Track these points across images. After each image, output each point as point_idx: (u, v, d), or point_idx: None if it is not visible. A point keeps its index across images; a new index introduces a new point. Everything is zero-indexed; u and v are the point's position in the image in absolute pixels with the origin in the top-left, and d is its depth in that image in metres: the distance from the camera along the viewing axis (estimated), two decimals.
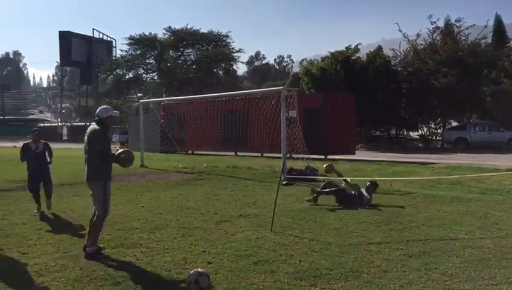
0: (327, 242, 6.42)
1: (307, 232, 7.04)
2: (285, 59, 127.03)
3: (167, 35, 53.36)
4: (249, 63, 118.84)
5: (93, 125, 5.95)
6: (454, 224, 7.50)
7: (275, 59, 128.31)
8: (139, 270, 5.28)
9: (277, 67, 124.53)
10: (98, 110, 6.05)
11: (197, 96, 21.20)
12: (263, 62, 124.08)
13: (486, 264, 5.33)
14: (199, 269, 4.72)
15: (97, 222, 5.88)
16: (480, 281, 4.78)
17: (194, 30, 52.84)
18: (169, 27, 53.42)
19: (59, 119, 71.11)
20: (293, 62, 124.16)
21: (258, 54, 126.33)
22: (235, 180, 13.72)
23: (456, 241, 6.46)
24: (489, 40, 41.87)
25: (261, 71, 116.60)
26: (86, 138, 5.95)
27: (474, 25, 34.53)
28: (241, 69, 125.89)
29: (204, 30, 54.37)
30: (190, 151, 25.56)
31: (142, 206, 9.34)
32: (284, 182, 12.59)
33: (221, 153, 23.36)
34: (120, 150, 6.12)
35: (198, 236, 6.78)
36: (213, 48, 53.19)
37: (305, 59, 79.34)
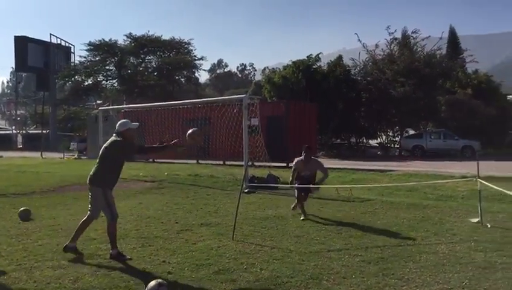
0: (288, 250, 6.45)
1: (268, 240, 7.05)
2: (248, 67, 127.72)
3: (128, 42, 52.65)
4: (211, 70, 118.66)
5: (114, 137, 6.18)
6: (411, 230, 7.69)
7: (237, 67, 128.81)
8: (96, 281, 5.14)
9: (239, 75, 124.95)
10: (117, 125, 6.27)
11: (158, 104, 20.93)
12: (225, 70, 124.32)
13: (441, 269, 5.49)
14: (159, 280, 4.64)
15: (109, 227, 6.10)
16: (435, 286, 4.92)
17: (155, 37, 52.33)
18: (130, 33, 52.73)
19: (14, 127, 68.67)
20: (256, 70, 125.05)
21: (220, 61, 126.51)
22: (197, 188, 13.62)
23: (412, 246, 6.62)
24: (444, 51, 43.44)
25: (223, 79, 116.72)
26: (103, 148, 6.23)
27: (430, 36, 35.81)
28: (203, 76, 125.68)
29: (166, 37, 53.99)
30: (151, 159, 25.19)
31: (101, 216, 9.10)
32: (246, 190, 12.62)
33: (183, 161, 23.16)
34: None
35: (158, 246, 6.68)
36: (175, 55, 52.85)
37: (268, 67, 79.91)
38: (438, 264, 5.68)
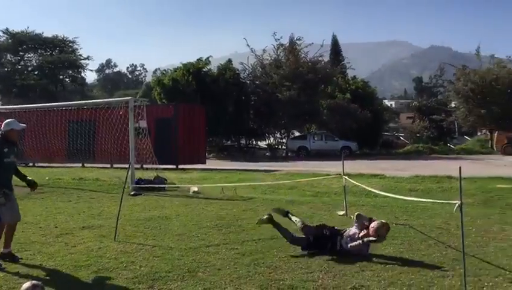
0: (169, 247, 6.72)
1: (151, 239, 7.25)
2: (138, 68, 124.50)
3: (4, 38, 48.77)
4: (100, 70, 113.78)
5: None
6: (286, 224, 8.31)
7: (128, 67, 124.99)
8: None
9: (129, 76, 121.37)
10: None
11: (38, 105, 19.87)
12: (114, 70, 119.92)
13: (306, 257, 6.13)
14: (33, 281, 4.65)
15: None
16: (298, 271, 5.52)
17: (35, 34, 49.13)
18: (7, 29, 48.93)
19: None
20: (147, 71, 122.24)
21: (109, 61, 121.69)
22: (81, 192, 13.26)
23: (284, 239, 7.23)
24: (327, 58, 46.36)
25: (112, 79, 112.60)
26: None
27: (313, 43, 38.03)
28: (91, 76, 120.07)
29: (48, 34, 50.94)
30: (31, 164, 23.73)
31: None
32: (132, 193, 12.60)
33: (67, 165, 22.17)
34: None
35: (35, 250, 6.55)
36: (58, 54, 50.06)
37: (159, 69, 78.82)
38: (302, 253, 6.32)
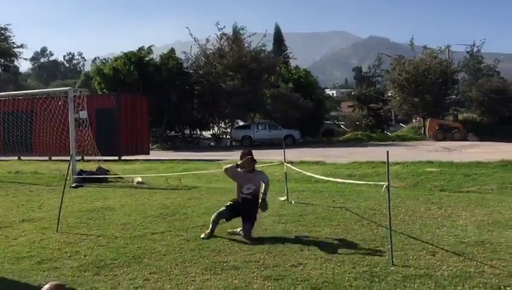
0: (114, 236, 6.79)
1: (95, 230, 7.28)
2: (76, 56, 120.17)
3: None
4: (34, 59, 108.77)
5: None
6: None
7: (64, 56, 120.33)
8: None
9: (67, 65, 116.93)
10: None
11: None
12: (50, 59, 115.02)
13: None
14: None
15: None
16: (241, 253, 5.79)
17: None
18: None
19: None
20: (85, 60, 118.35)
21: (44, 49, 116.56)
22: (18, 185, 12.89)
23: (225, 224, 7.49)
24: (270, 48, 46.75)
25: (48, 68, 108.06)
26: None
27: (256, 33, 38.33)
28: (24, 65, 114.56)
29: None
30: None
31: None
32: (74, 185, 12.41)
33: (2, 158, 21.27)
34: None
35: None
36: None
37: (98, 58, 76.51)
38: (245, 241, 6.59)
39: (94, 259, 5.64)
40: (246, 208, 6.81)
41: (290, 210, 8.51)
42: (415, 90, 34.53)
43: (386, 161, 5.98)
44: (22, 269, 5.33)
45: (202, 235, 6.63)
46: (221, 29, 37.07)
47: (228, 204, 6.95)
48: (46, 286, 4.10)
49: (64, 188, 7.79)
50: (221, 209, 6.90)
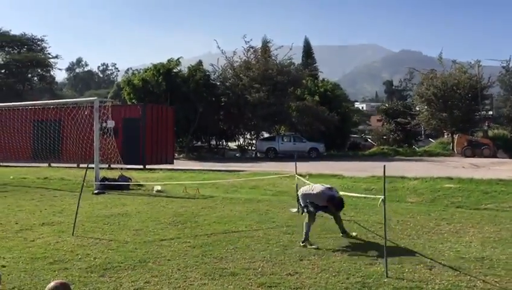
0: (125, 241, 7.09)
1: (108, 234, 7.60)
2: (110, 67, 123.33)
3: None
4: (70, 69, 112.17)
5: None
6: (239, 220, 8.84)
7: (99, 67, 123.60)
8: None
9: (101, 75, 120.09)
10: None
11: (2, 104, 19.79)
12: (85, 69, 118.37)
13: (252, 248, 6.61)
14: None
15: None
16: (242, 261, 5.98)
17: (3, 31, 48.32)
18: None
19: None
20: (118, 71, 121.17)
21: (79, 60, 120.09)
22: (44, 191, 13.43)
23: (236, 233, 7.71)
24: (299, 61, 46.88)
25: (83, 79, 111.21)
26: None
27: (283, 46, 38.66)
28: (61, 75, 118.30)
29: (16, 32, 50.21)
30: None
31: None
32: (96, 191, 12.86)
33: (33, 164, 22.10)
34: None
35: None
36: (26, 52, 49.34)
37: (131, 68, 78.37)
38: (250, 245, 6.80)
39: (102, 261, 5.94)
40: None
41: (299, 221, 8.60)
42: (443, 105, 34.01)
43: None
44: (34, 268, 5.67)
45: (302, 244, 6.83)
46: (248, 42, 37.51)
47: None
48: (51, 284, 4.39)
49: (81, 193, 8.16)
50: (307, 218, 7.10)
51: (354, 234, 7.43)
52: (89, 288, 4.99)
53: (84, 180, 8.95)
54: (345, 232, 7.37)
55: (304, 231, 6.94)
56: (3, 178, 16.35)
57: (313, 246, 6.65)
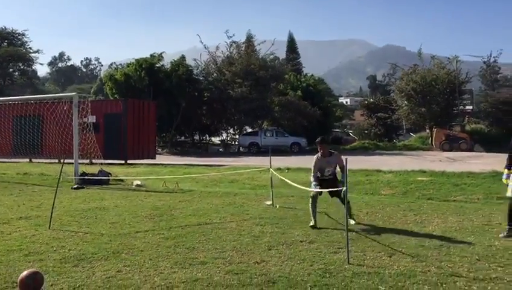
0: (100, 233, 7.28)
1: (84, 227, 7.78)
2: (93, 62, 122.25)
3: None
4: (52, 63, 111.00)
5: None
6: (215, 212, 9.07)
7: (82, 61, 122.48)
8: None
9: (84, 70, 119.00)
10: None
11: None
12: (68, 64, 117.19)
13: (223, 239, 6.85)
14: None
15: None
16: (213, 251, 6.22)
17: None
18: None
19: None
20: (102, 65, 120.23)
21: (62, 54, 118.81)
22: (24, 186, 13.51)
23: (210, 225, 7.94)
24: (283, 55, 47.01)
25: (65, 73, 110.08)
26: None
27: (265, 41, 38.80)
28: (43, 70, 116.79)
29: None
30: None
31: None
32: (75, 186, 12.98)
33: (14, 160, 22.05)
34: None
35: None
36: (6, 47, 48.74)
37: (115, 63, 77.90)
38: (222, 236, 7.03)
39: (77, 253, 6.13)
40: (328, 183, 7.82)
41: (272, 214, 8.91)
42: (422, 100, 34.58)
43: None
44: (10, 260, 5.84)
45: (311, 224, 7.64)
46: (231, 37, 37.62)
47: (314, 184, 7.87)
48: (24, 273, 4.58)
49: (57, 188, 8.34)
50: (311, 195, 7.96)
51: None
52: (63, 277, 5.17)
53: (60, 175, 9.06)
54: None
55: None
56: None
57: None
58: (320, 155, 7.99)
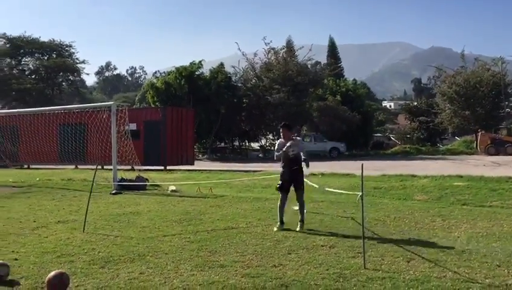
0: (129, 237, 7.59)
1: (116, 231, 8.13)
2: (138, 70, 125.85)
3: (2, 43, 49.84)
4: (99, 73, 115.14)
5: None
6: (242, 217, 9.25)
7: (127, 70, 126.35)
8: None
9: (129, 79, 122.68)
10: None
11: (27, 110, 20.77)
12: (114, 73, 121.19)
13: (246, 243, 7.00)
14: (0, 261, 5.51)
15: None
16: (233, 254, 6.38)
17: (32, 38, 50.19)
18: (5, 34, 50.03)
19: None
20: (146, 74, 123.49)
21: (108, 64, 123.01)
22: (66, 191, 14.15)
23: (235, 229, 8.12)
24: (324, 60, 46.85)
25: (112, 82, 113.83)
26: None
27: (303, 46, 38.94)
28: (91, 79, 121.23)
29: (45, 39, 52.00)
30: (26, 166, 24.68)
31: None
32: (113, 191, 13.49)
33: (60, 167, 23.08)
34: None
35: (10, 240, 7.43)
36: (55, 58, 51.10)
37: (159, 71, 79.91)
38: (246, 240, 7.19)
39: (105, 255, 6.44)
40: (293, 175, 8.31)
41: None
42: (465, 103, 33.65)
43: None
44: (43, 261, 6.21)
45: (275, 229, 7.97)
46: (268, 43, 37.87)
47: (278, 186, 8.48)
48: (51, 274, 4.91)
49: (90, 193, 8.73)
50: (280, 198, 8.39)
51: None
52: (89, 278, 5.47)
53: (93, 181, 9.48)
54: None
55: None
56: (30, 180, 17.26)
57: None
58: (282, 139, 8.62)
